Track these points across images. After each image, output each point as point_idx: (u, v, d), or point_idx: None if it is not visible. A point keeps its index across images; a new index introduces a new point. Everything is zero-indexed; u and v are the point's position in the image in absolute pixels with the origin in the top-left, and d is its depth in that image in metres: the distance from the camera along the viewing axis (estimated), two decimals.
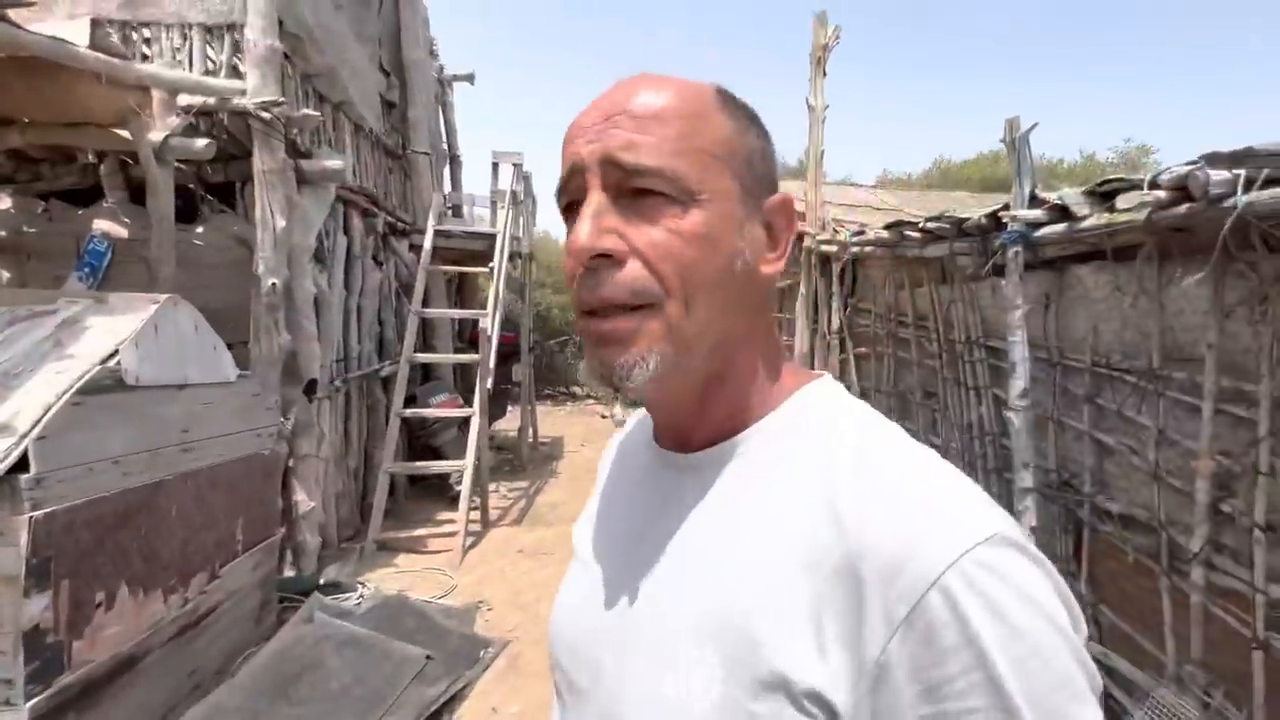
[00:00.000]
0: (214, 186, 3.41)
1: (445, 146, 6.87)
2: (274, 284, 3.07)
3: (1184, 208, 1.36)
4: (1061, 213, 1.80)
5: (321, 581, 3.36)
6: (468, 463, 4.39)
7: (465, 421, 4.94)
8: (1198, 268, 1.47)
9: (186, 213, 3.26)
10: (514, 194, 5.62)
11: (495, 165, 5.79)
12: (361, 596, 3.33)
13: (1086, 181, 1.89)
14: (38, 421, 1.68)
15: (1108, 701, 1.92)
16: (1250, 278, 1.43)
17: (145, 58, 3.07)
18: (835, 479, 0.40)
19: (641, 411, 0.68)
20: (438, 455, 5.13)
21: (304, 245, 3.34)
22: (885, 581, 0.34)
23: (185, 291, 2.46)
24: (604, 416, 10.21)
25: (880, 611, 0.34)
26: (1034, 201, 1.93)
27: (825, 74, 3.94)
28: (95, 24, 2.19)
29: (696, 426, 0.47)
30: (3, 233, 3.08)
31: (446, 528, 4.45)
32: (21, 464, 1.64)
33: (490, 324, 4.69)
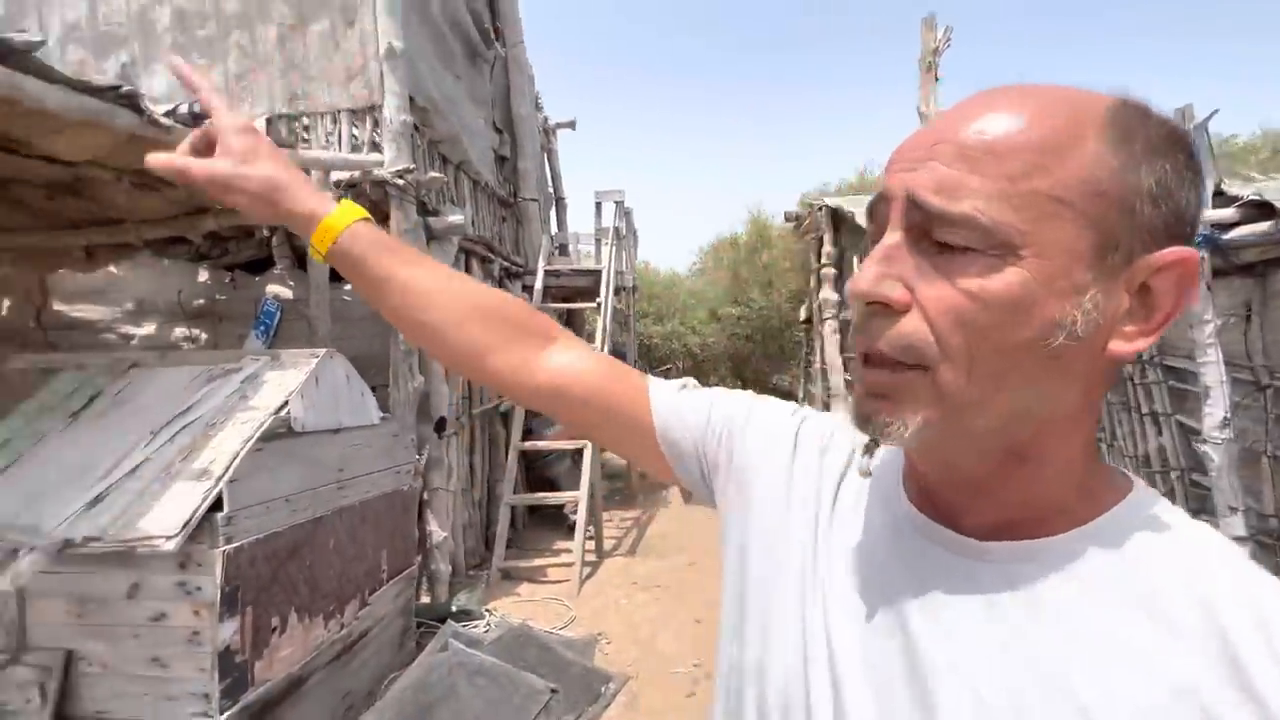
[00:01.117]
0: None
1: (550, 190, 7.28)
2: None
3: None
4: (1260, 210, 1.52)
5: (453, 609, 3.56)
6: (582, 493, 4.50)
7: (578, 452, 5.09)
8: None
9: (336, 273, 3.69)
10: (617, 230, 5.81)
11: (599, 204, 6.03)
12: (489, 625, 3.48)
13: (1274, 158, 1.59)
14: (229, 466, 1.95)
15: None
16: None
17: (305, 142, 3.56)
18: (1231, 633, 0.33)
19: (848, 427, 0.54)
20: (553, 485, 5.32)
21: None
22: None
23: (337, 343, 2.77)
24: None
25: None
26: (1219, 198, 1.65)
27: (937, 78, 3.72)
28: (269, 121, 2.59)
29: (979, 506, 0.40)
30: (202, 301, 3.66)
31: (564, 557, 4.57)
32: (217, 504, 1.90)
33: None
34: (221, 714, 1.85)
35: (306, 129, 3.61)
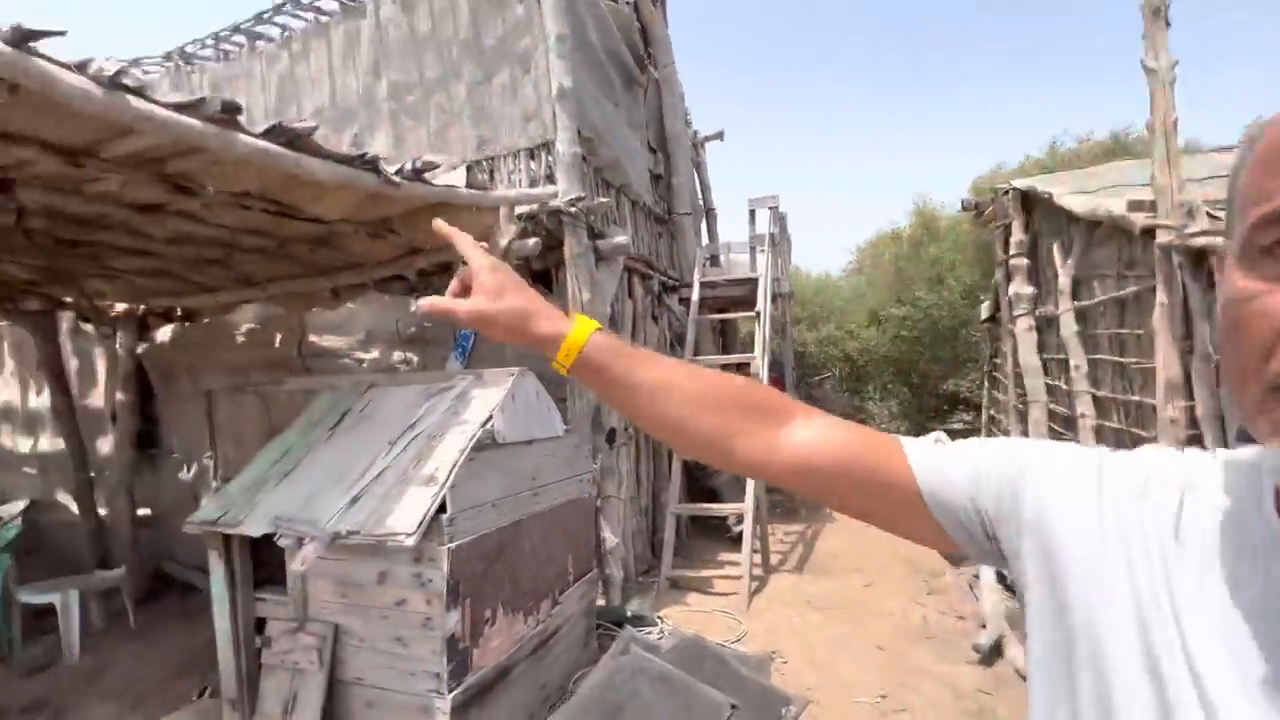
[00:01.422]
0: (536, 273, 4.20)
1: (701, 203, 7.35)
2: None
3: None
4: None
5: (628, 614, 3.70)
6: (748, 505, 4.43)
7: None
8: None
9: None
10: (772, 236, 5.68)
11: (752, 212, 5.96)
12: (661, 633, 3.55)
13: None
14: (450, 473, 2.22)
15: None
16: None
17: (491, 182, 3.99)
18: None
19: (1178, 453, 0.48)
20: (714, 495, 5.32)
21: (602, 313, 3.86)
22: None
23: (522, 361, 3.04)
24: None
25: None
26: None
27: (1168, 24, 3.11)
28: (469, 169, 2.95)
29: None
30: (413, 329, 4.26)
31: (728, 569, 4.53)
32: (441, 506, 2.17)
33: (760, 365, 4.74)
34: (449, 693, 2.10)
35: (491, 172, 4.04)
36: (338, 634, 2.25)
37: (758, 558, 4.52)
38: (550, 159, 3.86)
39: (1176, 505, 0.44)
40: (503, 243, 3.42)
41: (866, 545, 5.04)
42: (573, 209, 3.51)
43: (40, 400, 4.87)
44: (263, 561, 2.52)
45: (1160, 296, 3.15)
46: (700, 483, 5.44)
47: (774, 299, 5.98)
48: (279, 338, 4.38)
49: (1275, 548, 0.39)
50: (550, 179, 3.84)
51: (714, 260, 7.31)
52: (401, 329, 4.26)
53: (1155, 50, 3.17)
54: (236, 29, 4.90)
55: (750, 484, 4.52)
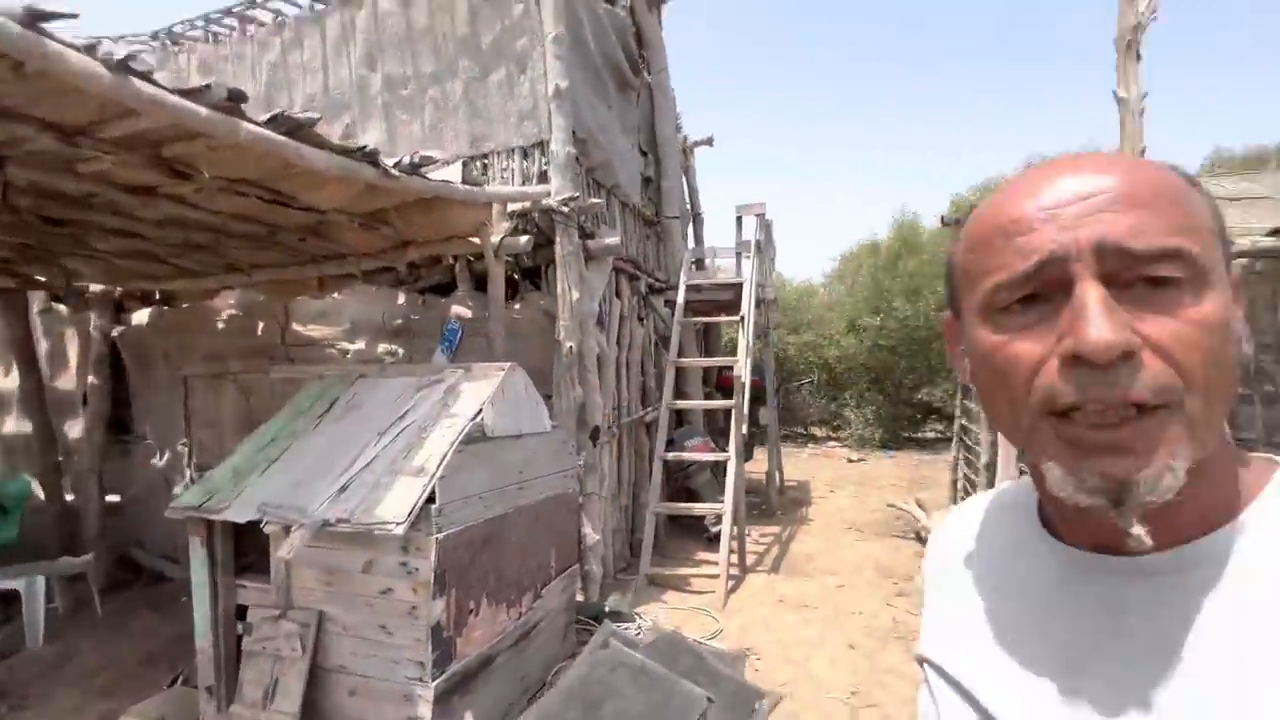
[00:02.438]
0: (526, 271, 4.23)
1: (689, 207, 7.45)
2: (571, 347, 3.65)
3: None
4: None
5: (606, 609, 3.75)
6: (727, 506, 4.51)
7: (717, 464, 5.12)
8: None
9: (507, 293, 4.10)
10: (758, 243, 5.79)
11: (739, 218, 6.06)
12: (639, 629, 3.61)
13: None
14: (440, 464, 2.25)
15: None
16: None
17: (486, 178, 4.01)
18: None
19: (961, 510, 0.62)
20: (692, 496, 5.39)
21: (590, 312, 3.91)
22: None
23: (510, 356, 3.08)
24: (851, 460, 9.59)
25: None
26: None
27: (1139, 58, 3.28)
28: (464, 164, 2.97)
29: (1152, 525, 0.40)
30: (400, 320, 4.25)
31: (706, 568, 4.61)
32: (430, 497, 2.20)
33: (744, 370, 4.83)
34: (432, 681, 2.13)
35: (485, 167, 4.06)
36: (321, 621, 2.27)
37: (734, 558, 4.61)
38: (544, 158, 3.90)
39: (950, 555, 0.58)
40: (495, 239, 3.45)
41: (840, 548, 5.16)
42: (565, 208, 3.55)
43: (8, 381, 4.74)
44: (244, 549, 2.52)
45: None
46: (680, 483, 5.51)
47: (758, 304, 6.09)
48: (261, 326, 4.34)
49: (1032, 552, 0.49)
50: (543, 178, 3.88)
51: (700, 264, 7.40)
52: (387, 320, 4.25)
53: (1126, 82, 3.34)
54: (228, 11, 4.84)
55: (730, 485, 4.61)
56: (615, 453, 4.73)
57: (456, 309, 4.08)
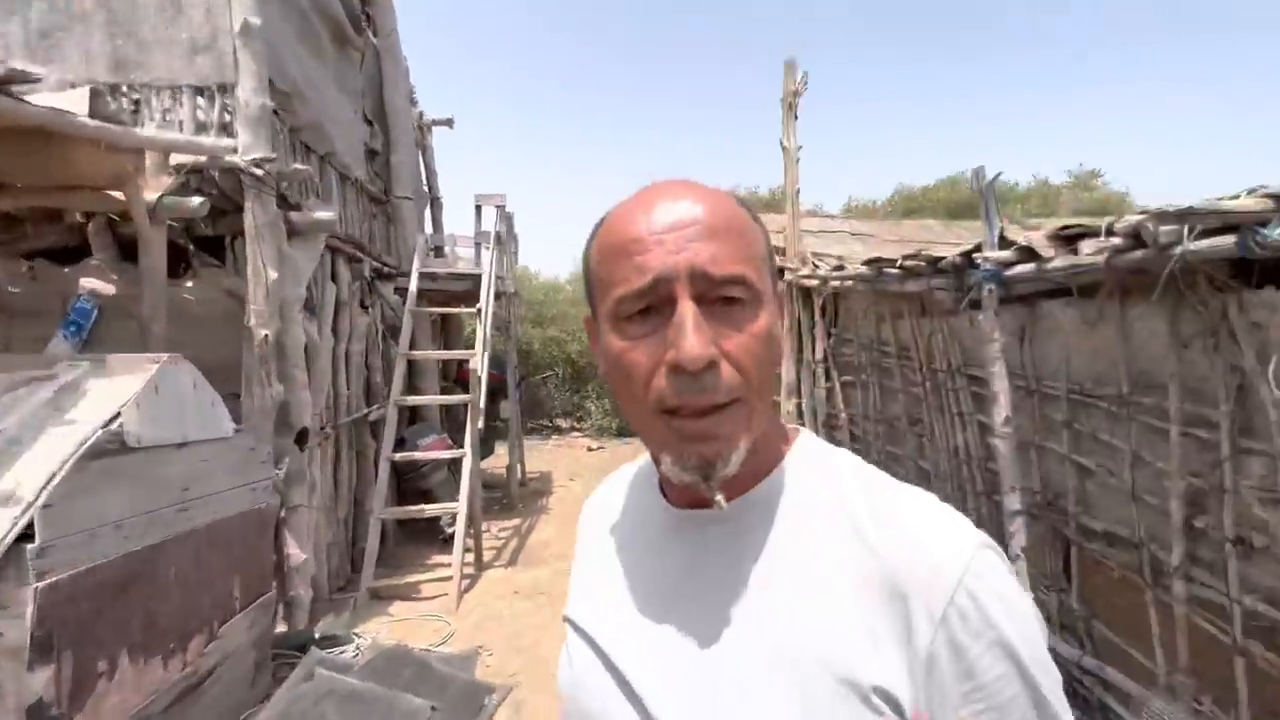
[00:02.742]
0: (203, 241, 3.43)
1: (426, 189, 6.97)
2: (266, 336, 3.08)
3: (1139, 253, 1.50)
4: (1028, 254, 1.94)
5: (317, 635, 3.29)
6: (461, 504, 4.36)
7: (454, 462, 4.91)
8: (1154, 304, 1.61)
9: (173, 267, 3.27)
10: (498, 234, 5.71)
11: (479, 207, 5.88)
12: (359, 649, 3.26)
13: (1042, 205, 2.05)
14: (42, 489, 1.68)
15: (1105, 714, 1.98)
16: (1202, 313, 1.56)
17: (135, 115, 3.11)
18: (856, 516, 0.49)
19: (613, 479, 0.73)
20: (427, 498, 5.08)
21: (295, 296, 3.36)
22: (923, 591, 0.43)
23: (176, 347, 2.46)
24: (590, 449, 10.18)
25: (924, 614, 0.43)
26: (1004, 243, 2.08)
27: (796, 117, 4.15)
28: (95, 93, 2.24)
29: (726, 486, 0.51)
30: None
31: (440, 572, 4.39)
32: (26, 533, 1.62)
33: (480, 363, 4.72)
34: None
35: (137, 103, 3.16)
36: None
37: (470, 556, 4.49)
38: (229, 104, 3.20)
39: (600, 516, 0.66)
40: (150, 197, 2.72)
41: (575, 532, 5.43)
42: (258, 170, 2.98)
43: None
44: None
45: (784, 319, 4.18)
46: (413, 484, 5.14)
47: (498, 296, 6.01)
48: None
49: (654, 515, 0.60)
50: (228, 130, 3.18)
51: (438, 251, 6.99)
52: None
53: (789, 134, 4.20)
54: None
55: (465, 482, 4.46)
56: (331, 457, 4.17)
57: (90, 283, 3.10)
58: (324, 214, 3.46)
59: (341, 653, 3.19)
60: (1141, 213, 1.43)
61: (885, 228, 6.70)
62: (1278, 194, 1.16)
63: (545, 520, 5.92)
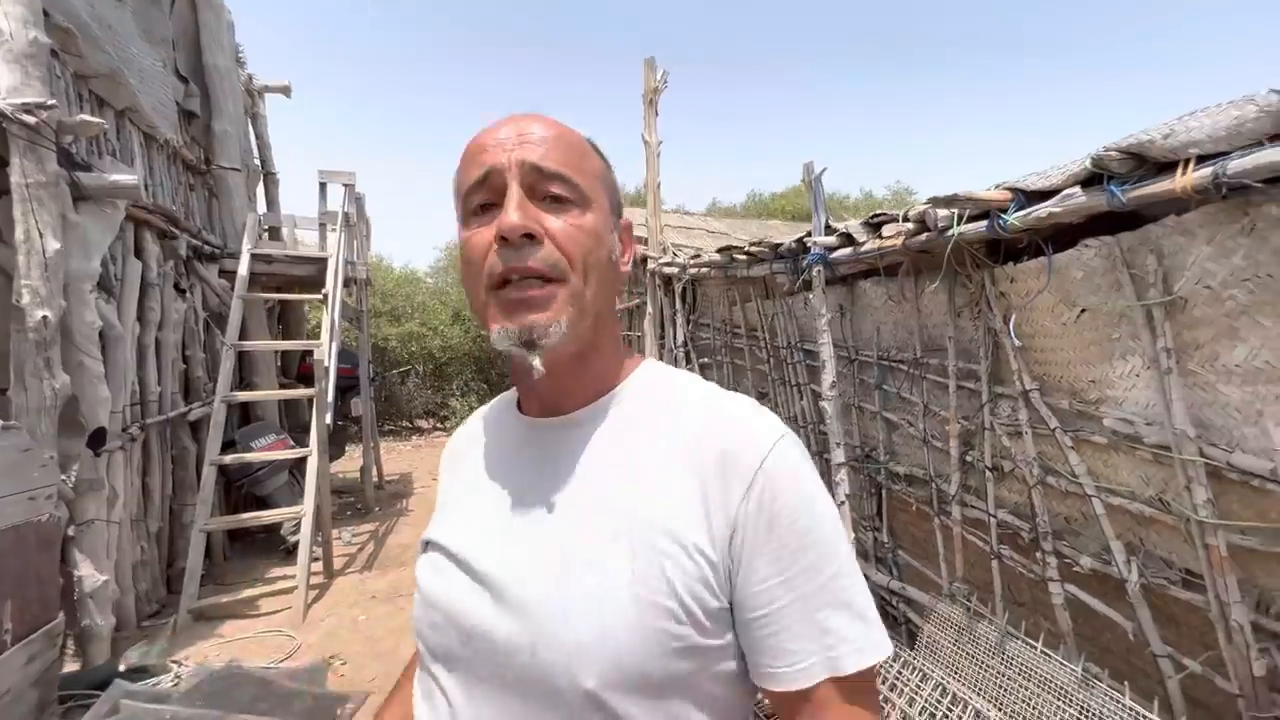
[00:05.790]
0: None
1: (259, 163, 6.21)
2: (45, 317, 2.58)
3: (924, 236, 1.82)
4: (848, 239, 2.24)
5: (122, 669, 2.83)
6: (306, 508, 3.97)
7: (298, 464, 4.46)
8: (940, 280, 1.95)
9: None
10: (346, 216, 5.27)
11: (323, 185, 5.38)
12: (178, 677, 2.85)
13: (868, 213, 2.38)
14: None
15: (908, 626, 2.37)
16: (969, 286, 1.94)
17: None
18: (693, 413, 0.57)
19: (478, 412, 0.78)
20: (265, 505, 4.55)
21: (85, 271, 2.84)
22: (735, 468, 0.52)
23: None
24: None
25: (738, 486, 0.52)
26: (828, 230, 2.38)
27: (657, 113, 4.34)
28: None
29: (572, 392, 0.59)
30: None
31: (281, 584, 3.97)
32: None
33: (326, 355, 4.32)
34: None
35: None
36: None
37: (319, 565, 4.11)
38: None
39: (464, 444, 0.71)
40: None
41: None
42: (28, 118, 2.48)
43: None
44: None
45: (648, 307, 4.36)
46: (246, 490, 4.57)
47: (348, 283, 5.55)
48: None
49: (510, 426, 0.66)
50: None
51: (274, 233, 6.27)
52: None
53: (650, 130, 4.38)
54: None
55: (310, 486, 4.08)
56: (140, 463, 3.58)
57: None
58: (123, 177, 2.96)
59: (156, 683, 2.77)
60: (926, 201, 1.74)
61: (738, 225, 7.23)
62: (1014, 187, 1.48)
63: (405, 522, 5.58)
